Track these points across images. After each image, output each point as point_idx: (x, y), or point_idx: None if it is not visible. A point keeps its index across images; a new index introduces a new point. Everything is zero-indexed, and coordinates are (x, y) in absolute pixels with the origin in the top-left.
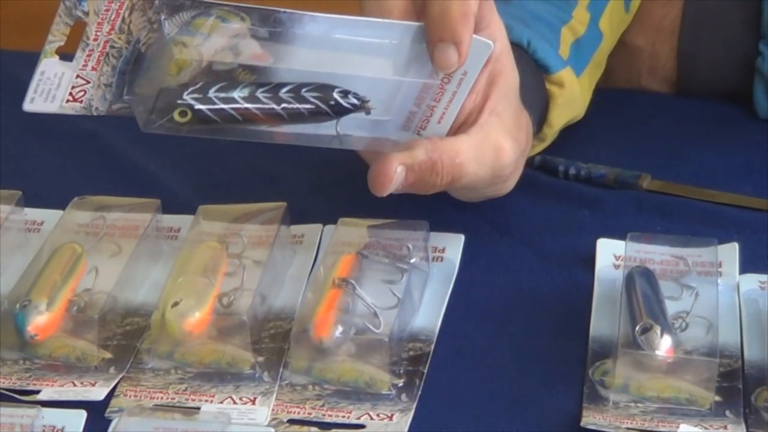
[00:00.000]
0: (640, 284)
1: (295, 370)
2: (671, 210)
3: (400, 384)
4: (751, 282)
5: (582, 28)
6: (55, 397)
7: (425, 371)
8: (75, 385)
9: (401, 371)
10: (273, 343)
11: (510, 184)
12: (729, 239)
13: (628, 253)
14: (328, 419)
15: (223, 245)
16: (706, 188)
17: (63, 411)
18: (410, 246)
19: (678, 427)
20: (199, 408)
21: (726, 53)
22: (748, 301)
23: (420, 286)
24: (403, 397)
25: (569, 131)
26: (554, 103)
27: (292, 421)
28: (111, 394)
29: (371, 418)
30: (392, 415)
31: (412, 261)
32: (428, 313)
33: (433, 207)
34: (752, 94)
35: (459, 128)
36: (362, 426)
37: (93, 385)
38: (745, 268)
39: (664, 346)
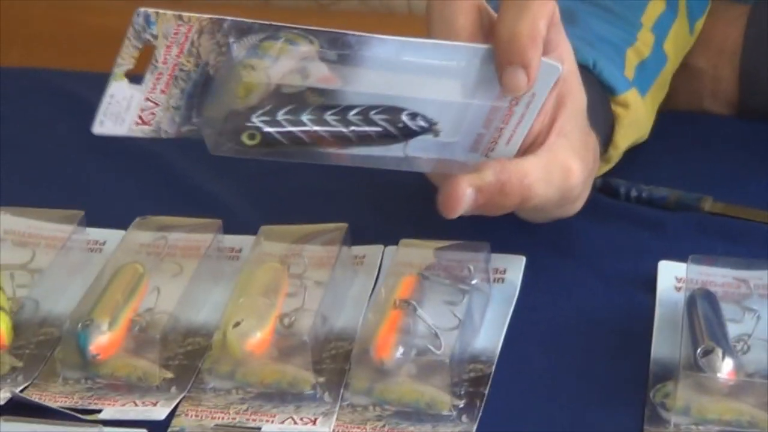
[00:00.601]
0: (702, 306)
1: (355, 391)
2: (733, 232)
3: (461, 405)
4: None
5: (647, 51)
6: (117, 416)
7: (486, 392)
8: (136, 404)
9: (462, 392)
10: (334, 364)
11: (578, 205)
12: None
13: (690, 275)
14: None
15: (285, 266)
16: (763, 210)
17: (124, 430)
18: (471, 267)
19: None
20: (260, 428)
21: None
22: None
23: (481, 308)
24: (464, 418)
25: (631, 153)
26: (620, 124)
27: None
28: (172, 414)
29: None
30: None
31: (473, 282)
32: (489, 335)
33: (494, 228)
34: None
35: (527, 149)
36: None
37: (154, 404)
38: None
39: (725, 368)
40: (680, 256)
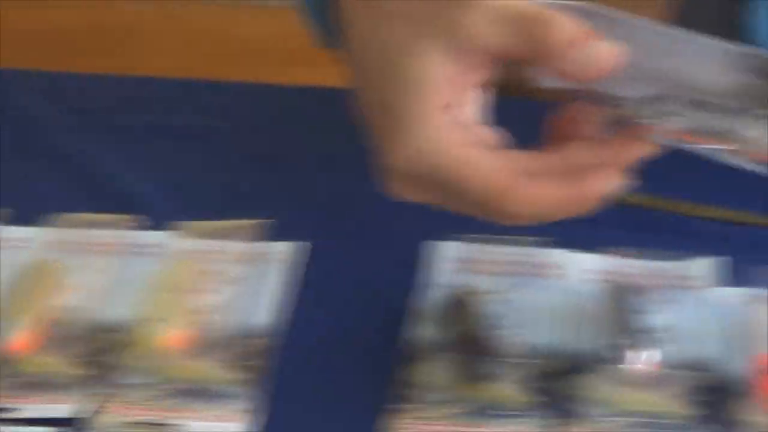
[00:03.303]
0: (623, 298)
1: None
2: (656, 224)
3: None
4: (733, 296)
5: None
6: (36, 414)
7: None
8: (51, 402)
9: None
10: (253, 360)
11: None
12: (713, 253)
13: (612, 267)
14: None
15: (203, 262)
16: (691, 202)
17: (41, 429)
18: None
19: None
20: (182, 425)
21: None
22: (730, 315)
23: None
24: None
25: None
26: None
27: None
28: (90, 411)
29: None
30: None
31: None
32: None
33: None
34: None
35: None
36: None
37: (67, 402)
38: (727, 282)
39: (646, 360)
40: (603, 248)
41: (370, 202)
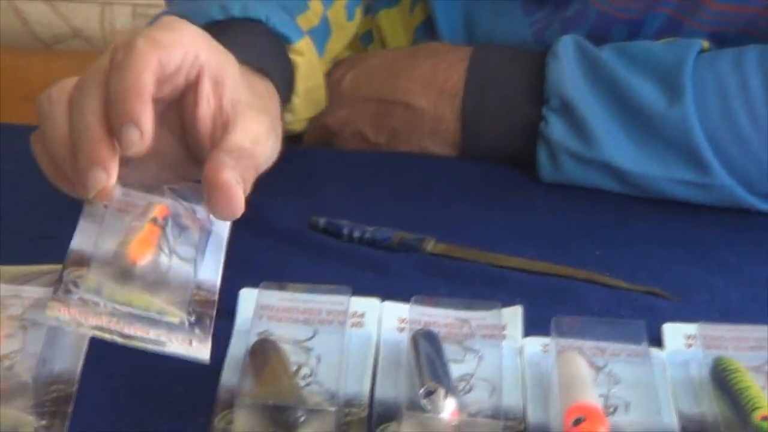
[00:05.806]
0: (424, 347)
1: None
2: (455, 273)
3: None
4: (534, 345)
5: (316, 20)
6: None
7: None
8: None
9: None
10: (55, 407)
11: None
12: (512, 302)
13: (412, 315)
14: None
15: (2, 307)
16: (490, 251)
17: None
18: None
19: None
20: None
21: (509, 117)
22: (531, 364)
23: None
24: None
25: (355, 196)
26: (298, 72)
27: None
28: None
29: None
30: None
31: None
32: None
33: None
34: (536, 158)
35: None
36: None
37: None
38: (528, 331)
39: (448, 408)
40: (403, 297)
41: None
